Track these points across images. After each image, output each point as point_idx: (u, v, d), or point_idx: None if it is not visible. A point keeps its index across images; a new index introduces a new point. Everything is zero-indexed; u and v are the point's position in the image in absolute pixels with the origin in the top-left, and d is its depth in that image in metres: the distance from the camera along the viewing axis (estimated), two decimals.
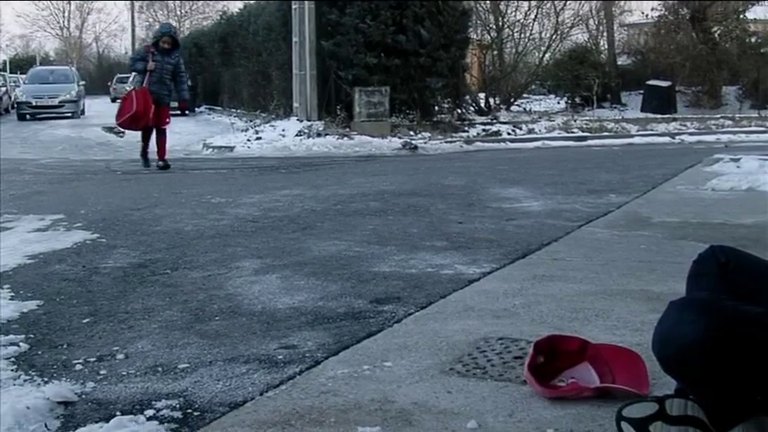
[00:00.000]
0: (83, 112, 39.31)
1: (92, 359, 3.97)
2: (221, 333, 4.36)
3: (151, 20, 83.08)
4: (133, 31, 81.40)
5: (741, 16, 35.17)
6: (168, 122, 15.58)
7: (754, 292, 2.63)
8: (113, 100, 59.73)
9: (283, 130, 20.62)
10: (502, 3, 32.88)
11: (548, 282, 5.28)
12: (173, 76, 15.14)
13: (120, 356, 4.00)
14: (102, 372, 3.78)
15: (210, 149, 19.84)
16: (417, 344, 4.00)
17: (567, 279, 5.33)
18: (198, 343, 4.19)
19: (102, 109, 44.33)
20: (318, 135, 19.86)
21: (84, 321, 4.66)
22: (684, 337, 2.25)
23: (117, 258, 6.46)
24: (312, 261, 6.17)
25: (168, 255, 6.56)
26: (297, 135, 19.96)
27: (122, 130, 18.35)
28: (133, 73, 15.87)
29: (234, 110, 33.61)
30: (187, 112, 38.55)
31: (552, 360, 3.45)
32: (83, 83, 41.89)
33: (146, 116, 14.69)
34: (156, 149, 15.09)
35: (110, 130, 22.55)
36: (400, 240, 7.00)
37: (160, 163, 14.97)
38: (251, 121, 26.25)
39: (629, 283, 5.19)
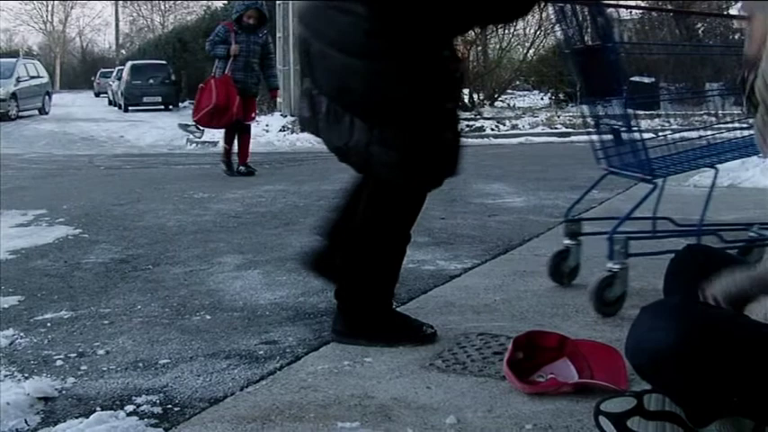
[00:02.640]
0: (45, 111, 35.48)
1: (72, 355, 3.96)
2: (202, 329, 4.37)
3: (135, 14, 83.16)
4: (117, 25, 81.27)
5: (725, 13, 35.19)
6: (254, 117, 13.39)
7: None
8: (97, 95, 59.81)
9: (267, 126, 20.62)
10: None
11: (528, 277, 5.30)
12: (260, 60, 12.54)
13: (101, 352, 4.00)
14: (82, 367, 3.78)
15: (194, 144, 19.79)
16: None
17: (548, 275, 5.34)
18: (179, 339, 4.20)
19: (85, 103, 44.38)
20: (302, 130, 19.84)
21: (66, 317, 4.66)
22: (657, 344, 2.27)
23: (99, 254, 6.46)
24: (294, 257, 6.15)
25: (150, 250, 6.56)
26: (280, 130, 19.98)
27: (200, 128, 16.56)
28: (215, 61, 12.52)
29: None
30: (170, 107, 38.59)
31: (531, 356, 3.47)
32: (43, 78, 36.69)
33: (229, 110, 12.11)
34: (237, 150, 12.74)
35: (185, 127, 19.42)
36: None
37: (241, 168, 12.62)
38: None
39: None
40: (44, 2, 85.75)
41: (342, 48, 3.58)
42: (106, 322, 4.54)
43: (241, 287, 5.29)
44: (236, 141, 12.60)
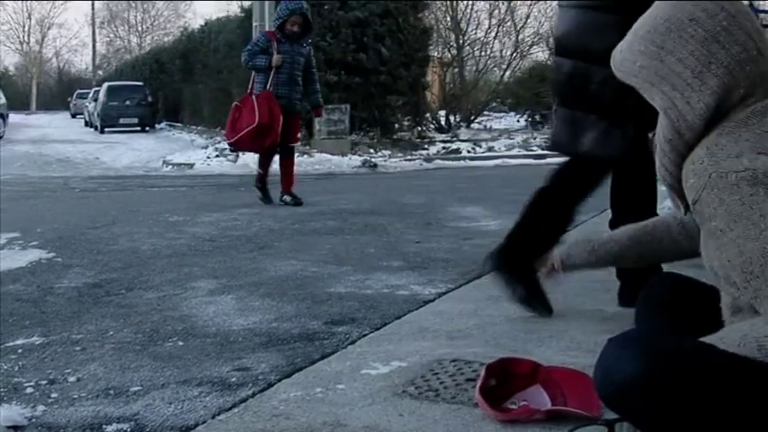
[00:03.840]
0: None
1: (43, 382, 3.93)
2: (175, 355, 4.34)
3: (112, 35, 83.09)
4: (94, 46, 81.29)
5: None
6: (299, 139, 12.18)
7: (701, 317, 2.65)
8: (73, 116, 59.69)
9: None
10: (462, 21, 33.03)
11: (503, 302, 5.27)
12: (304, 73, 11.31)
13: (72, 379, 3.97)
14: (53, 395, 3.75)
15: (170, 167, 19.79)
16: (370, 366, 3.99)
17: None
18: (151, 365, 4.17)
19: (61, 124, 44.27)
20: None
21: (37, 343, 4.62)
22: (625, 376, 2.27)
23: (72, 278, 6.42)
24: (268, 281, 6.16)
25: (124, 274, 6.53)
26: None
27: (236, 151, 14.82)
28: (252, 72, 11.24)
29: (194, 126, 33.60)
30: (147, 128, 38.57)
31: (504, 383, 3.46)
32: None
33: (273, 130, 10.83)
34: (278, 176, 11.60)
35: (221, 150, 17.01)
36: (357, 260, 7.00)
37: (287, 198, 11.34)
38: (211, 138, 26.25)
39: (583, 303, 5.21)
40: (22, 16, 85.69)
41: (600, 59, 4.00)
42: (78, 348, 4.51)
43: (214, 312, 5.27)
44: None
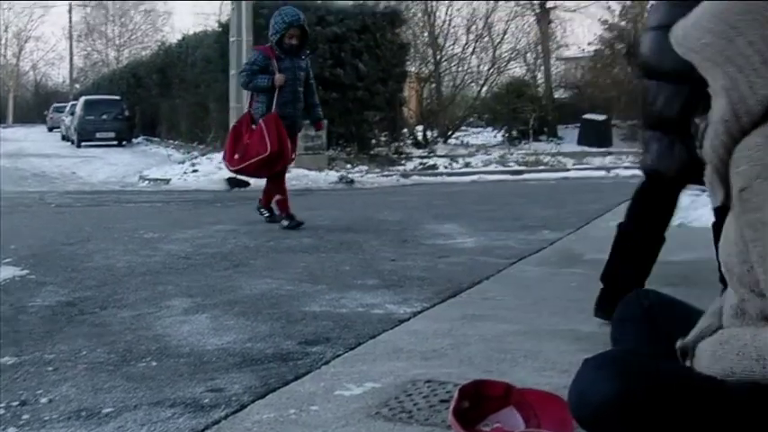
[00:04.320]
0: None
1: (14, 403, 3.90)
2: (148, 376, 4.32)
3: (89, 49, 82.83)
4: (71, 60, 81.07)
5: None
6: (294, 158, 11.35)
7: (677, 335, 2.65)
8: (50, 129, 59.48)
9: (220, 163, 20.42)
10: (440, 36, 33.12)
11: (477, 321, 5.30)
12: (303, 87, 10.59)
13: (44, 400, 3.94)
14: (24, 417, 3.72)
15: (146, 182, 19.76)
16: (344, 387, 3.99)
17: (497, 319, 5.35)
18: (123, 386, 4.15)
19: (37, 138, 44.14)
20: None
21: (9, 363, 4.59)
22: (600, 397, 2.26)
23: (46, 296, 6.38)
24: (243, 300, 6.14)
25: (98, 293, 6.49)
26: None
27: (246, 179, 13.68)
28: (250, 91, 10.60)
29: (171, 141, 33.54)
30: (124, 142, 38.49)
31: (477, 405, 3.45)
32: None
33: (283, 157, 10.33)
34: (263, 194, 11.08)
35: (233, 182, 15.53)
36: (332, 278, 6.99)
37: (264, 211, 10.88)
38: (188, 153, 26.21)
39: (558, 323, 5.22)
40: None
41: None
42: (50, 369, 4.48)
43: (188, 332, 5.24)
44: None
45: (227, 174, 18.74)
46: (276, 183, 10.62)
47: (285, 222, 10.36)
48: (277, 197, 10.61)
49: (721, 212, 2.52)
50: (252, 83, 10.28)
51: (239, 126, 10.54)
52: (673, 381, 2.30)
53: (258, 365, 4.48)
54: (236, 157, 10.31)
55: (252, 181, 12.51)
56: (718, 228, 2.64)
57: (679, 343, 2.52)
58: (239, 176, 12.74)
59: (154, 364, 4.55)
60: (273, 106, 10.15)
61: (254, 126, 10.23)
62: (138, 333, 5.23)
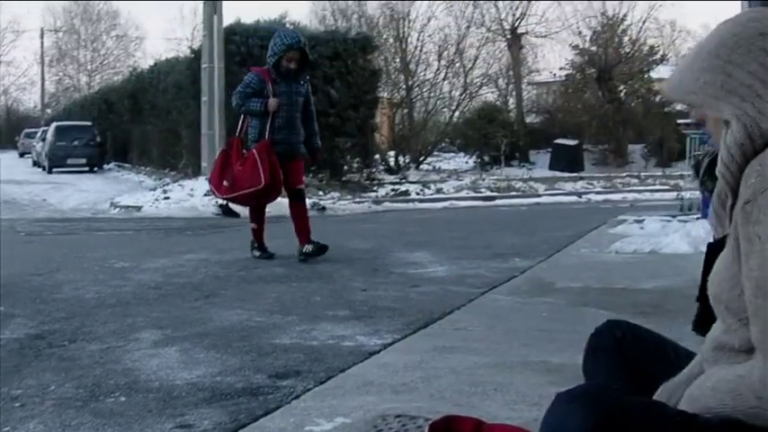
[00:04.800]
0: None
1: None
2: (116, 411, 4.28)
3: (61, 74, 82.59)
4: (42, 85, 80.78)
5: (646, 76, 35.99)
6: (304, 182, 10.58)
7: (649, 366, 2.65)
8: (21, 155, 59.25)
9: (192, 190, 20.54)
10: (412, 62, 33.21)
11: (448, 353, 5.29)
12: (302, 113, 10.06)
13: None
14: None
15: (118, 209, 19.70)
16: (314, 422, 3.97)
17: (468, 350, 5.34)
18: (92, 422, 4.11)
19: (8, 164, 43.89)
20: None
21: None
22: None
23: (14, 329, 6.33)
24: (213, 332, 6.12)
25: (67, 325, 6.44)
26: (205, 195, 19.86)
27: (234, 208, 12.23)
28: (246, 115, 9.93)
29: (143, 168, 33.48)
30: (95, 168, 38.38)
31: None
32: None
33: (275, 189, 9.83)
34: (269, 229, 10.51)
35: (226, 210, 13.17)
36: (303, 309, 6.97)
37: (308, 248, 9.94)
38: (160, 179, 26.19)
39: (529, 354, 5.22)
40: None
41: None
42: (17, 405, 4.44)
43: (158, 366, 5.21)
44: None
45: (199, 201, 18.82)
46: (257, 211, 10.22)
47: (257, 253, 10.13)
48: (253, 225, 10.27)
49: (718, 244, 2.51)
50: (244, 106, 9.78)
51: (229, 150, 10.00)
52: (645, 415, 2.29)
53: (228, 400, 4.46)
54: (226, 184, 9.80)
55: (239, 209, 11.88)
56: (710, 256, 2.62)
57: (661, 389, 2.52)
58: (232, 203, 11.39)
59: (123, 399, 4.51)
60: (266, 132, 9.66)
61: (245, 151, 9.75)
62: (107, 367, 5.19)
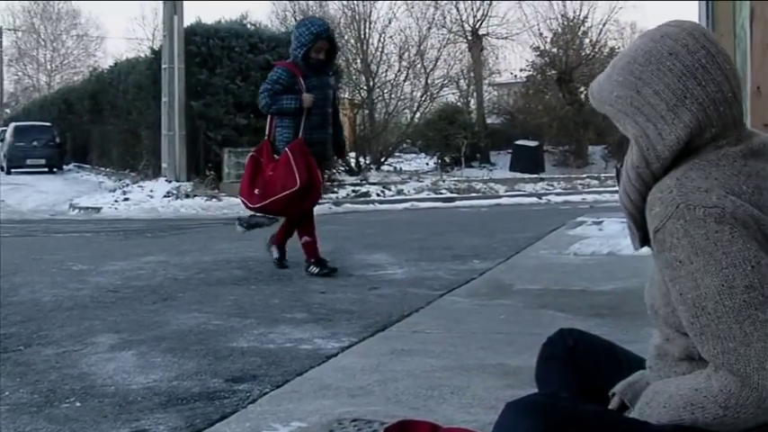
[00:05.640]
0: None
1: None
2: (71, 417, 4.26)
3: (20, 73, 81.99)
4: (1, 84, 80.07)
5: None
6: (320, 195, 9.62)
7: (601, 374, 2.67)
8: None
9: (152, 191, 20.49)
10: (373, 63, 33.20)
11: (406, 356, 5.29)
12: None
13: None
14: None
15: (77, 210, 19.60)
16: (270, 427, 3.97)
17: (426, 353, 5.34)
18: (46, 428, 4.09)
19: None
20: (187, 196, 19.77)
21: None
22: None
23: None
24: (170, 335, 6.09)
25: (23, 329, 6.39)
26: (165, 196, 19.86)
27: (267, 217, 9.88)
28: (272, 115, 8.91)
29: (103, 168, 33.29)
30: (54, 169, 38.14)
31: None
32: None
33: (314, 191, 8.87)
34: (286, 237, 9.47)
35: (249, 224, 10.10)
36: (261, 312, 6.95)
37: (313, 269, 8.94)
38: (120, 180, 26.05)
39: (486, 357, 5.23)
40: None
41: None
42: None
43: (114, 370, 5.18)
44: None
45: (159, 202, 18.73)
46: (304, 222, 9.12)
47: (314, 269, 8.89)
48: (305, 239, 9.07)
49: None
50: (275, 105, 8.73)
51: (258, 156, 8.97)
52: (595, 424, 2.31)
53: (184, 405, 4.45)
54: (257, 192, 8.80)
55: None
56: None
57: (611, 393, 2.54)
58: (258, 215, 9.71)
59: (78, 404, 4.49)
60: (301, 132, 8.73)
61: (276, 156, 8.78)
62: (63, 372, 5.16)
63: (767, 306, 2.03)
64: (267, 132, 9.01)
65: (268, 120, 9.04)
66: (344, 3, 34.62)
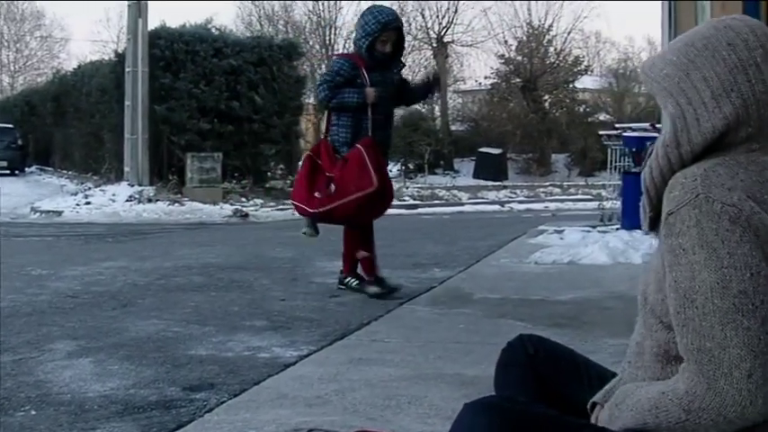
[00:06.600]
0: None
1: None
2: (26, 426, 4.23)
3: None
4: None
5: (570, 86, 36.34)
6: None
7: (560, 383, 2.68)
8: None
9: (114, 195, 20.39)
10: None
11: (364, 366, 5.30)
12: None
13: None
14: None
15: (38, 214, 19.47)
16: None
17: (384, 362, 5.35)
18: None
19: None
20: (149, 201, 19.70)
21: None
22: None
23: None
24: (129, 342, 6.06)
25: None
26: (127, 200, 19.77)
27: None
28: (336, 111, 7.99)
29: (65, 171, 33.11)
30: (16, 172, 37.90)
31: None
32: None
33: (387, 196, 8.07)
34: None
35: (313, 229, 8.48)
36: (220, 319, 6.94)
37: (352, 281, 8.32)
38: (82, 183, 25.92)
39: (444, 367, 5.24)
40: None
41: None
42: None
43: (71, 377, 5.15)
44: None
45: (121, 207, 18.64)
46: (364, 234, 8.33)
47: (373, 289, 8.04)
48: (362, 254, 8.27)
49: None
50: (335, 99, 7.84)
51: (314, 156, 8.09)
52: (551, 427, 2.32)
53: (140, 414, 4.43)
54: (318, 195, 7.85)
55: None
56: None
57: (589, 403, 2.55)
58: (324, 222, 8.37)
59: (33, 413, 4.46)
60: (368, 130, 7.86)
61: (337, 156, 7.88)
62: (19, 379, 5.12)
63: (754, 316, 2.03)
64: (324, 130, 8.33)
65: (325, 117, 8.39)
66: (310, 9, 34.65)
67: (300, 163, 8.58)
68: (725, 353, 2.04)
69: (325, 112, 8.32)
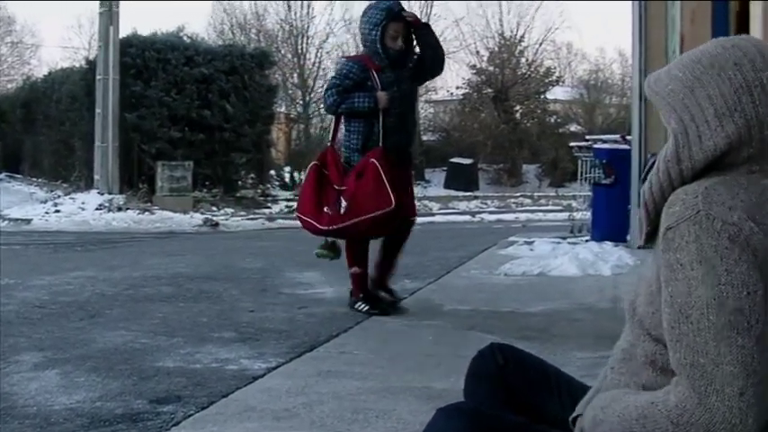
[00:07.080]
0: None
1: None
2: None
3: None
4: None
5: (541, 97, 36.46)
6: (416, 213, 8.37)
7: (531, 394, 2.68)
8: None
9: (83, 203, 20.27)
10: (309, 78, 33.22)
11: (332, 378, 5.29)
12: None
13: None
14: None
15: (6, 221, 19.30)
16: None
17: (353, 375, 5.35)
18: None
19: None
20: (119, 209, 19.60)
21: None
22: None
23: None
24: (96, 354, 6.03)
25: None
26: (97, 209, 19.66)
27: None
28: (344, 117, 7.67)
29: (35, 179, 32.90)
30: None
31: None
32: None
33: (399, 214, 7.44)
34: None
35: (332, 250, 8.01)
36: (188, 331, 6.91)
37: (385, 295, 7.93)
38: (52, 191, 25.75)
39: (413, 380, 5.24)
40: None
41: None
42: None
43: (36, 390, 5.11)
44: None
45: (90, 215, 18.57)
46: (360, 249, 7.79)
47: (364, 306, 7.65)
48: (355, 269, 7.80)
49: None
50: (344, 104, 7.46)
51: (321, 165, 7.64)
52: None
53: (107, 427, 4.41)
54: (327, 211, 7.48)
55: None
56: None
57: (571, 417, 2.55)
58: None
59: None
60: (380, 137, 7.43)
61: (347, 165, 7.55)
62: None
63: (748, 334, 2.03)
64: (331, 137, 7.95)
65: (333, 122, 8.05)
66: (282, 18, 34.64)
67: (305, 172, 8.07)
68: (718, 369, 2.03)
69: (333, 118, 8.02)
